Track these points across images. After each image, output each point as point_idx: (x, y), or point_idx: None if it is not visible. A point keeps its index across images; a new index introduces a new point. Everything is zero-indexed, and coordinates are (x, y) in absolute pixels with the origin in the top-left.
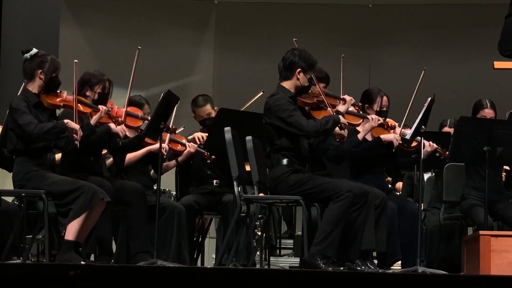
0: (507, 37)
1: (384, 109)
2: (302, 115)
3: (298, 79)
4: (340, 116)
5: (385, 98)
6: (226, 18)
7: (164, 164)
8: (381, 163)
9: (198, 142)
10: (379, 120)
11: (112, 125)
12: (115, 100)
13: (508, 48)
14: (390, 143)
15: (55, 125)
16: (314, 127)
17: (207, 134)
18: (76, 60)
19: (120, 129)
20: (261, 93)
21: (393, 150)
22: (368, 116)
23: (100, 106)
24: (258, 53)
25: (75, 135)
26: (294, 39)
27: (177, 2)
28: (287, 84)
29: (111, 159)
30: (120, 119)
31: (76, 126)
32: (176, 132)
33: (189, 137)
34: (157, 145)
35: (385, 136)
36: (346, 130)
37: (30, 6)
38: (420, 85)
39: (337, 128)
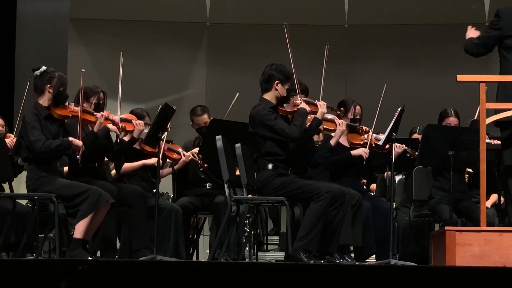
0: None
1: (358, 116)
2: (283, 121)
3: (276, 90)
4: (305, 106)
5: (358, 107)
6: (217, 38)
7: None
8: (357, 167)
9: (196, 158)
10: (345, 123)
11: (110, 126)
12: (115, 113)
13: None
14: (360, 156)
15: (61, 143)
16: (296, 132)
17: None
18: (83, 70)
19: (114, 128)
20: (237, 94)
21: (364, 163)
22: (336, 121)
23: (98, 114)
24: (246, 69)
25: (77, 151)
26: (284, 23)
27: (173, 23)
28: (268, 96)
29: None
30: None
31: (79, 143)
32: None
33: (187, 153)
34: (151, 160)
35: (355, 152)
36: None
37: (40, 29)
38: (384, 97)
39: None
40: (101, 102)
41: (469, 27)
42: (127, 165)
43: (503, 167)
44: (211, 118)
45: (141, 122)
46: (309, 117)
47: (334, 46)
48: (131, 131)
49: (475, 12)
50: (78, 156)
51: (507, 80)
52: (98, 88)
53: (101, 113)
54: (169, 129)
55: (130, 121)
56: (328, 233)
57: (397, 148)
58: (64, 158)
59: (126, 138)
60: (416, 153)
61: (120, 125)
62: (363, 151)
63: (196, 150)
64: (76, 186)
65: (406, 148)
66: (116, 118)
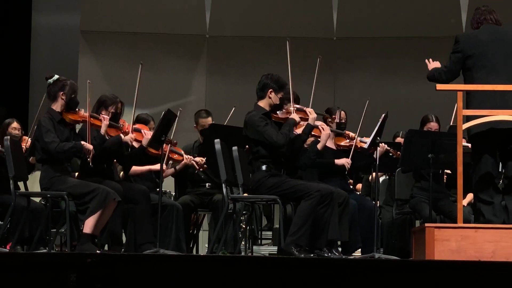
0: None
1: (343, 121)
2: (273, 128)
3: (270, 98)
4: (295, 117)
5: (342, 112)
6: (216, 49)
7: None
8: (343, 168)
9: (199, 163)
10: (328, 128)
11: (122, 136)
12: (124, 116)
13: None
14: (342, 166)
15: (74, 145)
16: (281, 139)
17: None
18: (89, 81)
19: (128, 138)
20: (234, 108)
21: (346, 173)
22: (319, 127)
23: (103, 116)
24: (243, 78)
25: (88, 155)
26: (287, 39)
27: (175, 35)
28: (262, 103)
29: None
30: (128, 131)
31: (90, 147)
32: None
33: (189, 156)
34: (156, 166)
35: (338, 161)
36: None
37: (53, 40)
38: (368, 106)
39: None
40: (118, 112)
41: (427, 61)
42: (135, 169)
43: (475, 179)
44: (209, 124)
45: (151, 133)
46: (302, 123)
47: (323, 57)
48: (141, 141)
49: (453, 25)
50: (89, 159)
51: (481, 89)
52: (117, 98)
53: (105, 115)
54: (176, 143)
55: (141, 131)
56: (317, 229)
57: (381, 147)
58: (76, 161)
59: (134, 143)
60: (398, 152)
61: (133, 135)
62: (345, 162)
63: (198, 159)
64: (86, 185)
65: (389, 148)
66: (130, 127)
